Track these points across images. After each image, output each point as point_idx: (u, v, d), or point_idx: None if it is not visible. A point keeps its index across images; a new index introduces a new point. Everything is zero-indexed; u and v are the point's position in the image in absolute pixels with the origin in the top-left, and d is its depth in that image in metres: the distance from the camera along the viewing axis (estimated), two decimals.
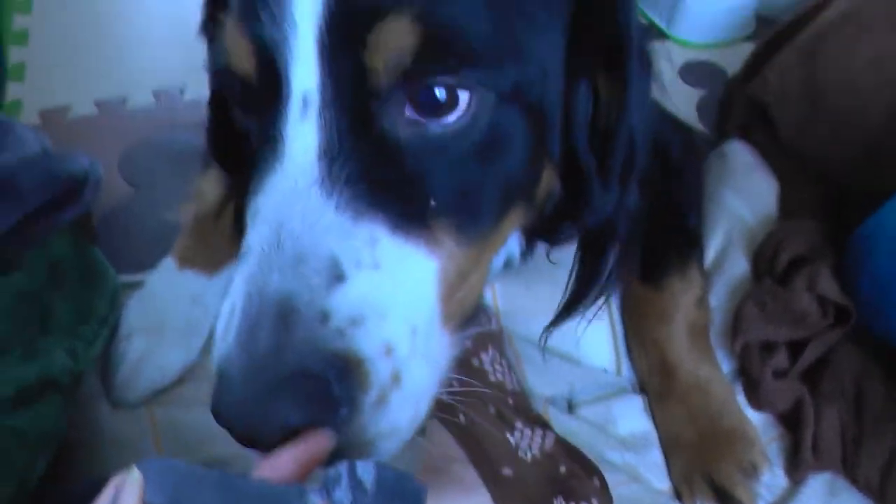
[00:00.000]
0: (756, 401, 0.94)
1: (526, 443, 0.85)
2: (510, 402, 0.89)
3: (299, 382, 0.42)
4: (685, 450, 0.90)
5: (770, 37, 1.23)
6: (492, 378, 0.90)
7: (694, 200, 1.03)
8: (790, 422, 0.93)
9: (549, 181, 0.60)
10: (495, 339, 0.95)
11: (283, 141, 0.48)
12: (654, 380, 0.95)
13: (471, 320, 0.58)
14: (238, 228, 0.63)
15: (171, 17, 1.56)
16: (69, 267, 0.93)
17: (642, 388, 0.98)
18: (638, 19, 0.57)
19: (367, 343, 0.44)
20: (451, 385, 0.84)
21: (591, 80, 0.57)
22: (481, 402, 0.85)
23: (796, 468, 0.90)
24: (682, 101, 1.42)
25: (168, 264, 1.05)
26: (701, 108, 1.41)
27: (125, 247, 1.15)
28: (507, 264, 0.82)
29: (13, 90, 1.41)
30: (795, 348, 0.94)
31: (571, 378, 0.97)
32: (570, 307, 0.72)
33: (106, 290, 0.96)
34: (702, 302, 0.98)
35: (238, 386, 0.43)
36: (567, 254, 0.73)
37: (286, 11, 0.47)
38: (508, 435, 0.84)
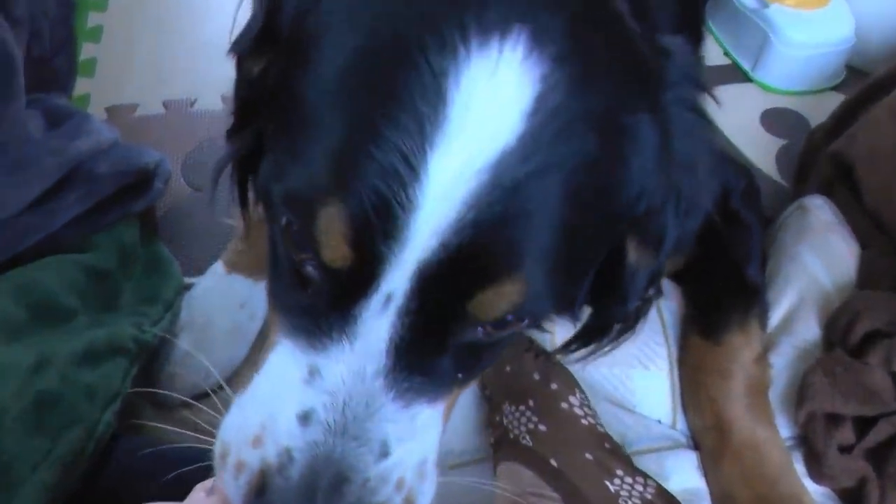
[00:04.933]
0: (818, 474, 0.90)
1: (627, 491, 0.82)
2: (607, 446, 0.86)
3: None
4: None
5: (861, 90, 1.19)
6: (584, 422, 0.88)
7: (754, 251, 1.00)
8: (850, 500, 0.89)
9: None
10: (577, 382, 0.93)
11: (356, 323, 0.52)
12: (709, 437, 0.92)
13: None
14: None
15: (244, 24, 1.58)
16: (137, 255, 0.96)
17: (696, 445, 0.94)
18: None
19: (385, 490, 0.54)
20: (537, 428, 0.85)
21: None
22: (576, 447, 0.84)
23: None
24: (760, 148, 1.39)
25: (217, 269, 1.06)
26: (780, 157, 1.37)
27: (181, 249, 1.16)
28: None
29: (82, 85, 1.40)
30: (862, 424, 0.90)
31: (623, 428, 0.95)
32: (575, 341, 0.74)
33: (171, 278, 0.99)
34: (761, 359, 0.95)
35: None
36: None
37: (402, 231, 0.48)
38: (608, 482, 0.81)
